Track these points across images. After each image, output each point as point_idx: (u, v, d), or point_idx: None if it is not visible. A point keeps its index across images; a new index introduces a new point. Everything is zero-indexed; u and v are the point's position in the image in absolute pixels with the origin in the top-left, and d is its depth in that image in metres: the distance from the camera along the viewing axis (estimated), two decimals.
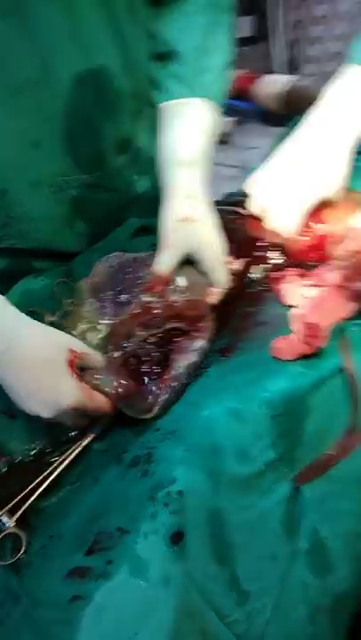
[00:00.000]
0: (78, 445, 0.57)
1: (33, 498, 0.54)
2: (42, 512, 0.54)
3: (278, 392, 0.55)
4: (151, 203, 0.74)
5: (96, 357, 0.60)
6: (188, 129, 0.67)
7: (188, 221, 0.64)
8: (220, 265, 0.65)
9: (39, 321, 0.60)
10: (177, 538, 0.46)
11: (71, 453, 0.57)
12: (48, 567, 0.49)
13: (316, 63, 2.53)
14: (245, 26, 2.39)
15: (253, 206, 0.71)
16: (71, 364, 0.57)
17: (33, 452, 0.59)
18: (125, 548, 0.46)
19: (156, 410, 0.58)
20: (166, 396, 0.58)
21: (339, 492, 0.58)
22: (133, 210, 0.83)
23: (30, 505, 0.53)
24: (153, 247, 0.68)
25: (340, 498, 0.58)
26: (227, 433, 0.52)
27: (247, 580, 0.51)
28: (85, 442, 0.58)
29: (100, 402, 0.57)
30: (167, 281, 0.65)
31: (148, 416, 0.58)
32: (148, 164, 0.81)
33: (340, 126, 0.67)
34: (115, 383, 0.58)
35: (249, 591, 0.51)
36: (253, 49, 2.49)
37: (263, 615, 0.52)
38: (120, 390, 0.58)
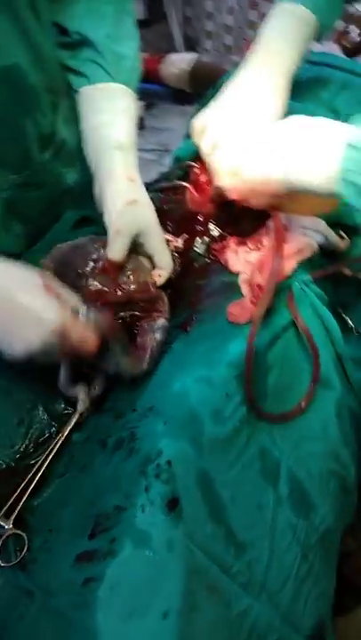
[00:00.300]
0: (60, 438, 0.58)
1: (25, 497, 0.54)
2: (36, 510, 0.55)
3: (239, 353, 0.59)
4: (83, 194, 0.74)
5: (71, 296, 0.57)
6: (116, 114, 0.68)
7: (134, 205, 0.64)
8: (164, 247, 0.67)
9: None
10: (173, 504, 0.49)
11: (55, 446, 0.58)
12: (54, 559, 0.50)
13: (213, 38, 2.57)
14: (139, 9, 2.38)
15: (205, 143, 0.72)
16: (48, 287, 0.54)
17: (17, 456, 0.59)
18: (126, 524, 0.48)
19: (145, 364, 0.60)
20: (149, 354, 0.60)
21: (308, 437, 0.63)
22: (67, 203, 0.83)
23: (24, 505, 0.54)
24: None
25: (310, 441, 0.63)
26: (200, 399, 0.55)
27: (241, 533, 0.55)
28: (67, 431, 0.59)
29: (86, 331, 0.54)
30: (122, 266, 0.65)
31: (139, 370, 0.59)
32: (73, 156, 0.81)
33: (275, 60, 0.71)
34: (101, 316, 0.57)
35: (245, 542, 0.55)
36: (149, 31, 2.48)
37: (261, 562, 0.55)
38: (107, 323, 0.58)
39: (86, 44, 0.69)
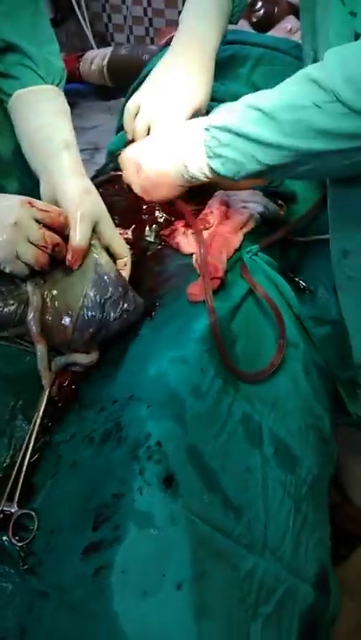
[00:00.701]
0: (37, 417, 0.60)
1: (22, 475, 0.56)
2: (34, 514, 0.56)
3: (205, 329, 0.61)
4: None
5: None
6: (56, 114, 0.69)
7: (90, 195, 0.64)
8: (118, 235, 0.67)
9: None
10: (169, 481, 0.51)
11: (34, 427, 0.59)
12: (61, 557, 0.51)
13: (125, 31, 2.57)
14: (46, 8, 2.35)
15: (140, 122, 0.75)
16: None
17: (3, 465, 0.59)
18: (126, 509, 0.50)
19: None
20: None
21: (283, 396, 0.66)
22: None
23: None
24: None
25: (285, 400, 0.66)
26: (178, 378, 0.57)
27: (236, 497, 0.57)
28: (43, 405, 0.61)
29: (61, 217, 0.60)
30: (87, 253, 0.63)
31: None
32: (10, 165, 0.81)
33: (199, 41, 0.75)
34: None
35: (240, 505, 0.57)
36: (59, 30, 2.45)
37: (259, 521, 0.58)
38: None
39: (11, 49, 0.69)
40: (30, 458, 0.58)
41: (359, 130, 0.50)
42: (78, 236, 0.61)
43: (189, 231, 0.71)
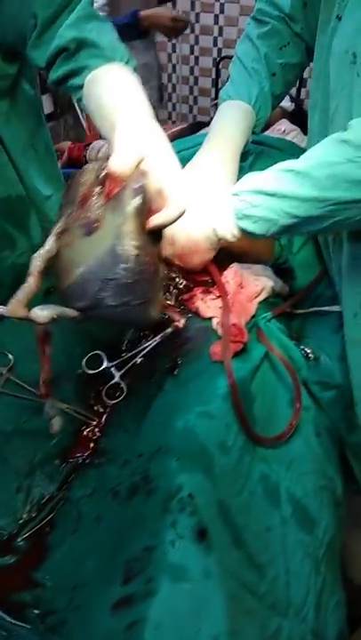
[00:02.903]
0: None
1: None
2: (52, 571, 0.54)
3: (229, 387, 0.64)
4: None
5: None
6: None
7: (146, 132, 0.58)
8: (174, 175, 0.58)
9: None
10: (202, 534, 0.51)
11: None
12: (87, 614, 0.49)
13: None
14: (47, 103, 2.56)
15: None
16: None
17: (19, 522, 0.58)
18: (159, 562, 0.49)
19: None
20: None
21: (297, 458, 0.68)
22: None
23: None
24: None
25: (300, 462, 0.68)
26: (206, 433, 0.58)
27: (258, 555, 0.57)
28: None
29: None
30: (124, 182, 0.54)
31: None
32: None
33: (228, 146, 0.86)
34: None
35: (263, 564, 0.57)
36: (58, 123, 2.66)
37: (281, 581, 0.58)
38: None
39: (82, 46, 0.67)
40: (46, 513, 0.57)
41: None
42: (116, 162, 0.54)
43: (207, 297, 0.76)
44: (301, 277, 0.96)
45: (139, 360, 0.70)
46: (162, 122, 2.67)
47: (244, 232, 0.68)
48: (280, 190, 0.63)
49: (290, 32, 0.89)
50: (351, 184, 0.60)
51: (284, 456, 0.67)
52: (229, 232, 0.69)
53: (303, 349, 0.86)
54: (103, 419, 0.68)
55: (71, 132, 2.80)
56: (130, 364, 0.69)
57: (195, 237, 0.74)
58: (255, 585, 0.54)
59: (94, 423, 0.68)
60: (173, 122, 2.89)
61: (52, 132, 0.86)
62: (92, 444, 0.66)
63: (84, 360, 0.68)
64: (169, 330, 0.71)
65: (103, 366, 0.67)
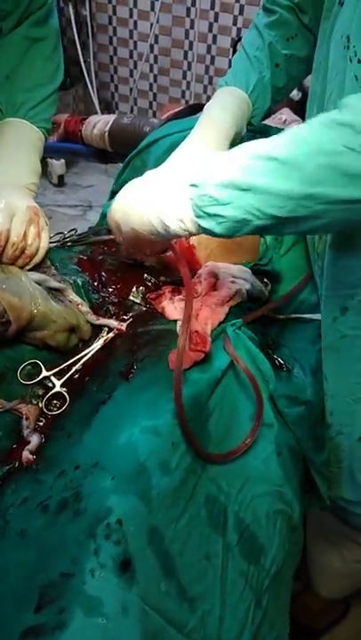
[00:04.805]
0: None
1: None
2: None
3: (184, 400, 0.59)
4: None
5: None
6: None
7: None
8: None
9: None
10: (126, 565, 0.47)
11: None
12: None
13: (129, 102, 2.71)
14: None
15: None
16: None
17: None
18: (74, 592, 0.45)
19: None
20: None
21: (252, 478, 0.63)
22: None
23: None
24: None
25: (254, 483, 0.63)
26: (148, 450, 0.54)
27: (191, 586, 0.53)
28: None
29: None
30: None
31: None
32: None
33: (217, 128, 0.80)
34: None
35: (194, 596, 0.53)
36: (68, 94, 2.57)
37: (214, 615, 0.54)
38: None
39: None
40: None
41: None
42: None
43: (176, 297, 0.70)
44: (288, 281, 0.90)
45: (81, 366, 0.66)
46: (173, 100, 2.57)
47: (205, 231, 0.57)
48: (257, 184, 0.50)
49: (298, 23, 0.84)
50: (350, 178, 0.47)
51: (237, 476, 0.62)
52: (181, 228, 0.58)
53: (277, 359, 0.81)
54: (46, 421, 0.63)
55: (80, 103, 2.71)
56: (69, 374, 0.65)
57: (139, 228, 0.63)
58: (183, 620, 0.50)
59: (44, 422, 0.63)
60: (187, 101, 2.80)
61: (60, 102, 0.82)
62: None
63: (19, 369, 0.63)
64: (110, 335, 0.67)
65: (42, 375, 0.63)
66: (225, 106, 0.82)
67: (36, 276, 0.67)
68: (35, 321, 0.62)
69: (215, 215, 0.54)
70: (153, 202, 0.61)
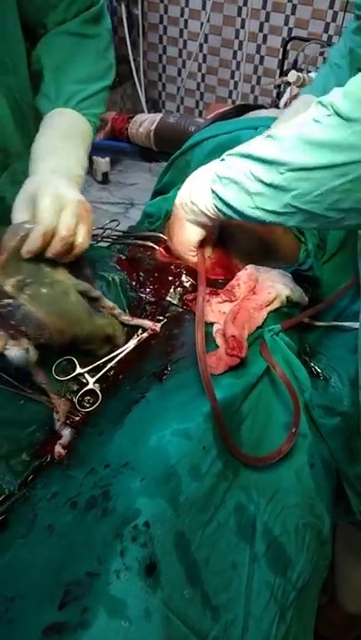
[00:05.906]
0: None
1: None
2: None
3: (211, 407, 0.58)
4: None
5: None
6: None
7: None
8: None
9: None
10: (151, 569, 0.46)
11: None
12: (17, 631, 0.46)
13: (176, 101, 2.72)
14: None
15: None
16: None
17: None
18: (99, 592, 0.45)
19: None
20: None
21: (283, 489, 0.62)
22: None
23: None
24: None
25: (285, 493, 0.62)
26: (178, 454, 0.53)
27: (215, 595, 0.52)
28: None
29: None
30: None
31: None
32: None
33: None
34: None
35: (218, 605, 0.52)
36: (116, 92, 2.60)
37: (237, 625, 0.53)
38: None
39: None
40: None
41: (349, 140, 0.50)
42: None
43: (214, 299, 0.70)
44: (329, 287, 0.88)
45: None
46: (220, 99, 2.56)
47: (216, 199, 0.64)
48: (253, 152, 0.59)
49: None
50: (310, 146, 0.53)
51: (268, 485, 0.61)
52: (202, 198, 0.66)
53: (314, 367, 0.80)
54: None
55: (128, 101, 2.73)
56: (103, 371, 0.65)
57: (176, 204, 0.72)
58: (205, 629, 0.49)
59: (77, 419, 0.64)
60: (233, 101, 2.78)
61: (108, 99, 0.83)
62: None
63: (54, 366, 0.63)
64: (144, 335, 0.67)
65: (76, 372, 0.63)
66: (296, 113, 0.80)
67: (81, 286, 0.64)
68: (79, 340, 0.62)
69: (223, 178, 0.62)
70: (192, 175, 0.70)
